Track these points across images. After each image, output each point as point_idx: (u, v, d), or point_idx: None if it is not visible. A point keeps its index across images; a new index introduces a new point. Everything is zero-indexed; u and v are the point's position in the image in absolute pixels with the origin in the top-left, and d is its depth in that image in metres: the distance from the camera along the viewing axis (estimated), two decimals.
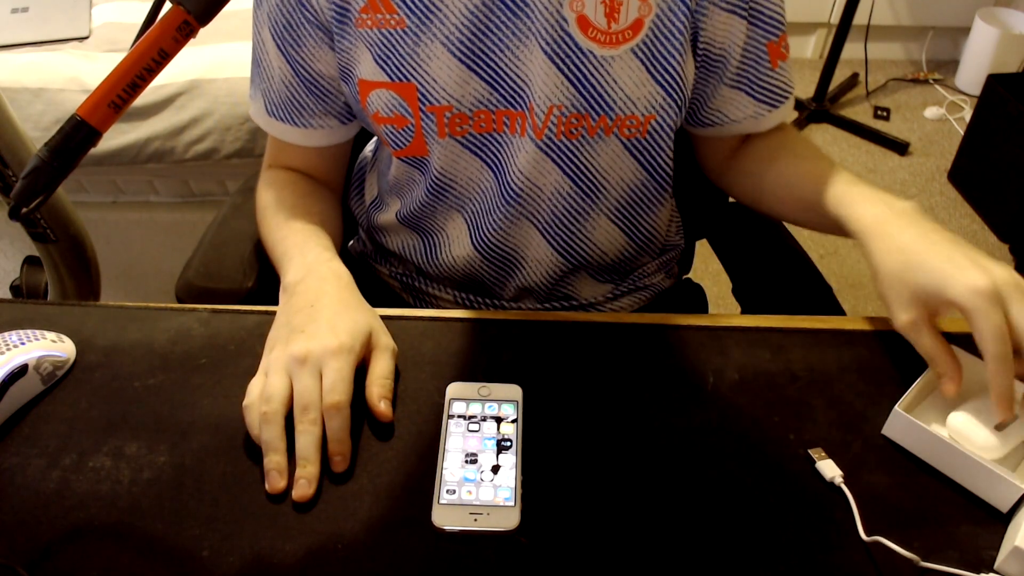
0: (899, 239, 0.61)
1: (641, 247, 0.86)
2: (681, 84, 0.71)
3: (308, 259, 0.68)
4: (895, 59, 2.97)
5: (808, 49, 2.99)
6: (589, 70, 0.68)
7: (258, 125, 0.81)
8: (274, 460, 0.55)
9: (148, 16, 0.55)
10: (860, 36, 2.68)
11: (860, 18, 2.46)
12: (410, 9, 0.67)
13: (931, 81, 2.84)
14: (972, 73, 2.72)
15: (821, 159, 0.76)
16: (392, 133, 0.75)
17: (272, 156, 0.84)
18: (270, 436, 0.56)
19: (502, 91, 0.70)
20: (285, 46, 0.72)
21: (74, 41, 1.53)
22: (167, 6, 0.50)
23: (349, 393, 0.57)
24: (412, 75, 0.69)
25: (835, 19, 2.50)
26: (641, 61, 0.69)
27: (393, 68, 0.70)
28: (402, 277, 0.91)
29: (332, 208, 0.82)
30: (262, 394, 0.57)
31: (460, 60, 0.68)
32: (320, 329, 0.60)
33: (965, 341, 0.65)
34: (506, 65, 0.69)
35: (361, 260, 0.96)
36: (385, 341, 0.63)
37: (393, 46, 0.69)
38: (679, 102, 0.72)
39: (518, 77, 0.69)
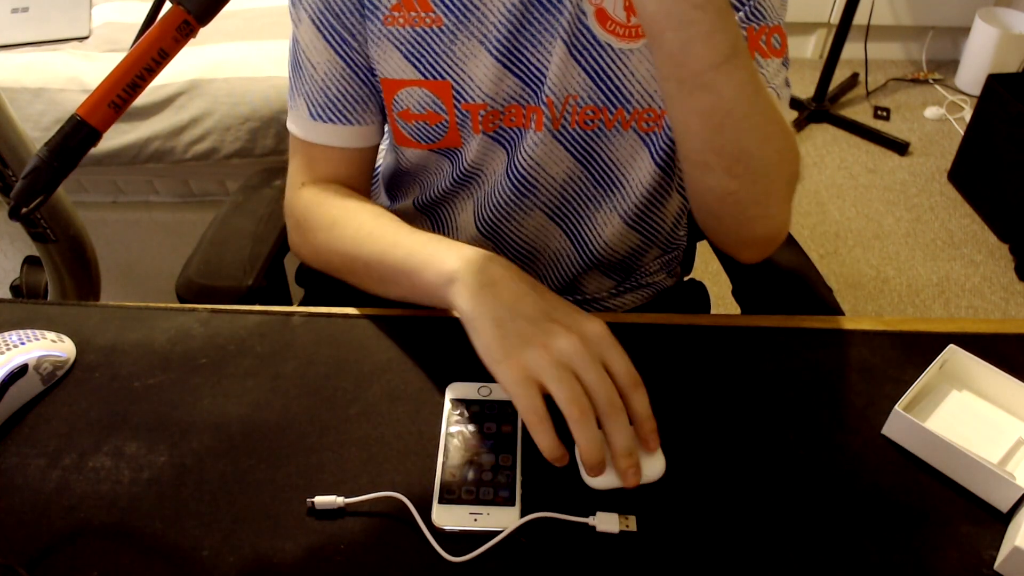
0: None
1: (649, 241, 0.86)
2: None
3: (458, 248, 0.60)
4: (895, 59, 2.96)
5: (808, 49, 2.99)
6: (607, 63, 0.68)
7: (293, 134, 0.76)
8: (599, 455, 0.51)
9: (148, 16, 0.55)
10: (860, 36, 2.68)
11: (860, 18, 2.46)
12: (447, 8, 0.66)
13: (931, 81, 2.83)
14: (972, 73, 2.72)
15: None
16: (423, 129, 0.74)
17: (305, 172, 0.77)
18: (593, 435, 0.51)
19: (533, 86, 0.70)
20: (335, 38, 0.70)
21: (74, 41, 1.53)
22: (167, 6, 0.50)
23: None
24: (447, 73, 0.69)
25: (835, 19, 2.50)
26: None
27: (427, 66, 0.69)
28: None
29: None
30: (567, 399, 0.51)
31: (496, 59, 0.68)
32: (570, 315, 0.54)
33: (968, 341, 0.65)
34: (537, 61, 0.69)
35: None
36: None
37: (428, 44, 0.68)
38: None
39: (543, 71, 0.69)
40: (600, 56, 0.68)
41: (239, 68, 1.43)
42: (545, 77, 0.69)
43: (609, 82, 0.69)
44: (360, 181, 0.80)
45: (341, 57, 0.71)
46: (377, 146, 0.80)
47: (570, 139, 0.73)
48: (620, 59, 0.68)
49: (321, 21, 0.70)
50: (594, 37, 0.67)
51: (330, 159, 0.76)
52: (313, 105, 0.73)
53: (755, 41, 0.68)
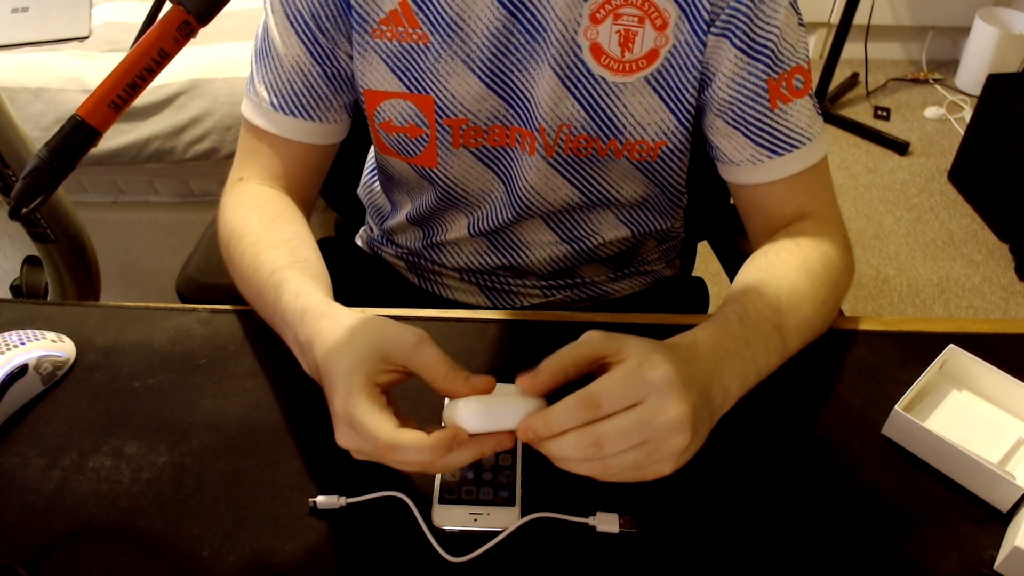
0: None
1: (644, 234, 0.86)
2: (694, 112, 0.71)
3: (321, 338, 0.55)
4: (895, 59, 2.96)
5: (808, 49, 2.98)
6: (600, 95, 0.69)
7: (249, 121, 0.73)
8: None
9: (148, 16, 0.55)
10: (860, 36, 2.68)
11: (860, 18, 2.46)
12: (434, 26, 0.67)
13: (931, 81, 2.83)
14: (972, 73, 2.72)
15: (767, 271, 0.64)
16: (404, 142, 0.74)
17: (249, 166, 0.74)
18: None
19: (517, 108, 0.71)
20: (308, 34, 0.69)
21: (74, 41, 1.53)
22: (167, 6, 0.50)
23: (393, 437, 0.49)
24: (431, 88, 0.70)
25: (835, 19, 2.50)
26: (654, 89, 0.69)
27: (412, 80, 0.70)
28: (408, 257, 0.91)
29: (302, 228, 0.71)
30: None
31: (479, 77, 0.69)
32: (337, 422, 0.51)
33: (968, 341, 0.65)
34: (523, 84, 0.69)
35: (368, 246, 0.97)
36: (410, 338, 0.53)
37: (413, 59, 0.69)
38: (691, 129, 0.72)
39: (532, 97, 0.70)
40: (594, 89, 0.68)
41: (239, 68, 1.43)
42: (532, 101, 0.70)
43: (602, 113, 0.70)
44: (309, 182, 0.77)
45: (312, 55, 0.70)
46: (336, 147, 0.78)
47: (564, 164, 0.74)
48: (613, 92, 0.69)
49: (297, 14, 0.69)
50: (588, 70, 0.68)
51: (284, 153, 0.74)
52: (277, 95, 0.72)
53: (776, 90, 0.68)
